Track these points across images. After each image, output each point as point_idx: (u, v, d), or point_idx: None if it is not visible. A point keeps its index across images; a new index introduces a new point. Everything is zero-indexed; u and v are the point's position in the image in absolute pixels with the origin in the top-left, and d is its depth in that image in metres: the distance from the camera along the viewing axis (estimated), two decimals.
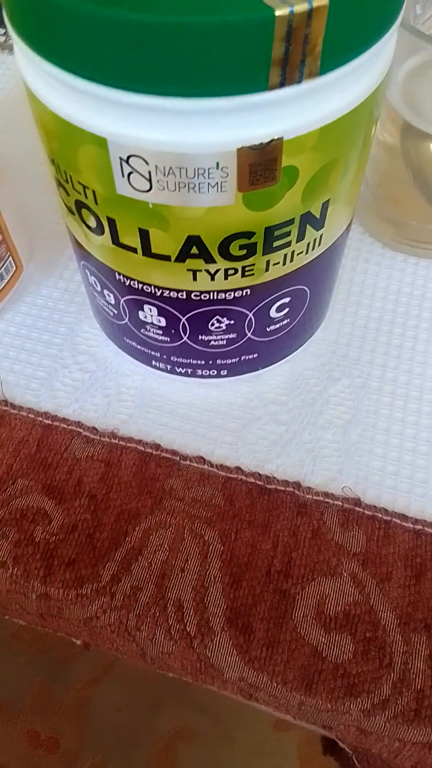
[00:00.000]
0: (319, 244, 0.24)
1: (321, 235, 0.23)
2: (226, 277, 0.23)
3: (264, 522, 0.26)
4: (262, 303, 0.25)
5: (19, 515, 0.27)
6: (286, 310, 0.26)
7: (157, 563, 0.25)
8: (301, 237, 0.23)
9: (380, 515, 0.27)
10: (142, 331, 0.27)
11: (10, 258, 0.31)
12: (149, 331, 0.27)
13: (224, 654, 0.24)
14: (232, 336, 0.26)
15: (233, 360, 0.28)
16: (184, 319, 0.25)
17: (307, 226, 0.22)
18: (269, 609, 0.25)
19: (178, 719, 0.72)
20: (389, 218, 0.36)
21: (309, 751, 0.70)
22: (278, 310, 0.26)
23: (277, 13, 0.15)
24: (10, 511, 0.27)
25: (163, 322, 0.26)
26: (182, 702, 0.73)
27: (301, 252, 0.23)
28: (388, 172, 0.35)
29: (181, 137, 0.18)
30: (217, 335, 0.26)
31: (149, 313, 0.25)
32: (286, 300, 0.26)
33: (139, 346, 0.28)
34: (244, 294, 0.24)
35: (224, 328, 0.26)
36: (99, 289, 0.27)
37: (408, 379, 0.31)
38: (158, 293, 0.24)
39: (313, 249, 0.24)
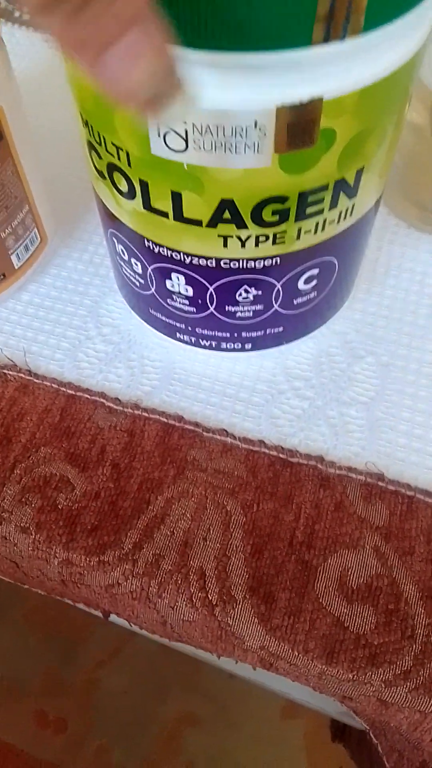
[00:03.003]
0: (351, 214, 0.24)
1: (353, 205, 0.23)
2: (257, 244, 0.23)
3: (286, 494, 0.26)
4: (291, 273, 0.25)
5: (43, 482, 0.27)
6: (314, 282, 0.26)
7: (180, 532, 0.25)
8: (334, 204, 0.22)
9: (403, 490, 0.27)
10: (168, 301, 0.27)
11: (36, 229, 0.31)
12: (176, 301, 0.27)
13: (246, 622, 0.24)
14: (258, 308, 0.26)
15: (258, 333, 0.28)
16: (211, 289, 0.25)
17: (341, 193, 0.22)
18: (291, 579, 0.25)
19: (184, 705, 0.72)
20: (414, 200, 0.36)
21: (315, 739, 0.70)
22: (306, 281, 0.26)
23: None
24: (33, 478, 0.27)
25: (190, 292, 0.26)
26: (189, 688, 0.73)
27: (333, 221, 0.23)
28: (414, 153, 0.35)
29: (220, 94, 0.18)
30: (244, 306, 0.26)
31: (176, 282, 0.25)
32: (315, 272, 0.26)
33: (164, 318, 0.28)
34: (273, 263, 0.24)
35: (251, 299, 0.26)
36: (126, 258, 0.26)
37: None
38: (187, 261, 0.24)
39: (344, 219, 0.24)
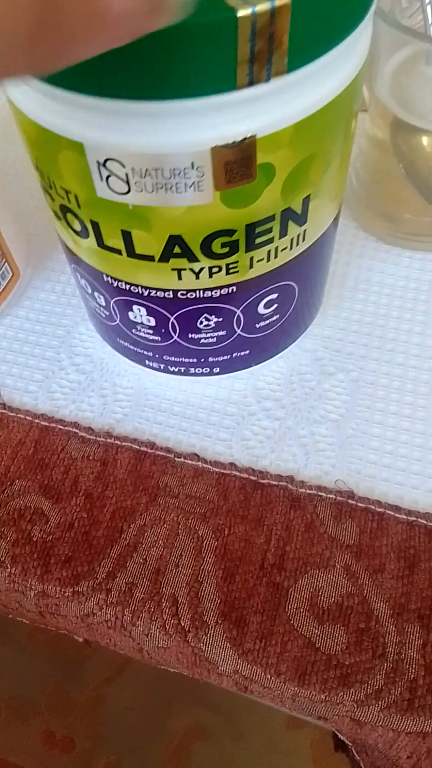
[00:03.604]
0: (304, 240, 0.24)
1: (304, 231, 0.24)
2: (210, 276, 0.23)
3: (258, 516, 0.27)
4: (250, 300, 0.25)
5: (17, 515, 0.27)
6: (275, 306, 0.26)
7: (152, 559, 0.26)
8: (283, 233, 0.23)
9: (373, 507, 0.27)
10: (133, 331, 0.27)
11: (6, 264, 0.32)
12: (140, 331, 0.27)
13: (218, 647, 0.24)
14: (221, 333, 0.27)
15: (225, 357, 0.28)
16: (172, 318, 0.26)
17: (289, 221, 0.22)
18: (263, 602, 0.25)
19: (190, 718, 0.72)
20: (383, 213, 0.36)
21: (322, 749, 0.70)
22: (266, 306, 0.26)
23: (240, 13, 0.15)
24: (8, 512, 0.27)
25: (152, 322, 0.26)
26: (195, 701, 0.73)
27: (285, 248, 0.24)
28: (379, 167, 0.35)
29: (155, 139, 0.18)
30: (206, 333, 0.26)
31: (138, 314, 0.26)
32: (274, 296, 0.26)
33: (131, 347, 0.29)
34: (230, 291, 0.24)
35: (213, 325, 0.26)
36: (90, 291, 0.27)
37: (402, 372, 0.31)
38: (145, 293, 0.24)
39: (297, 245, 0.24)
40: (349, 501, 0.27)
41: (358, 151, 0.36)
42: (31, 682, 0.73)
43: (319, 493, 0.27)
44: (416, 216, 0.35)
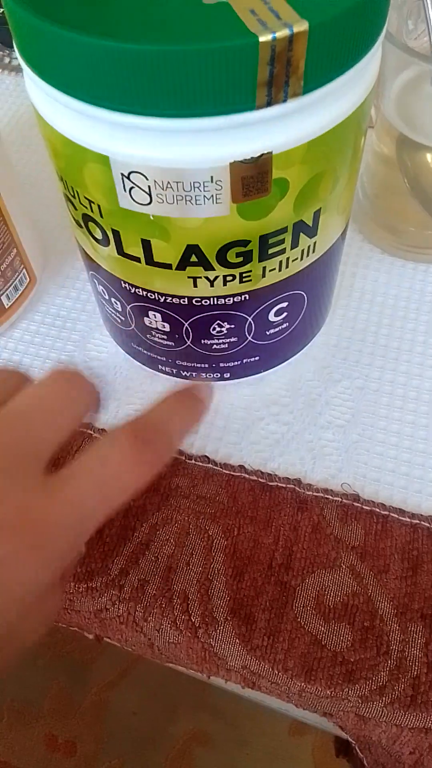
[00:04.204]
0: (314, 251, 0.25)
1: (315, 243, 0.25)
2: (224, 284, 0.24)
3: (266, 518, 0.28)
4: (261, 307, 0.26)
5: None
6: (285, 314, 0.27)
7: (164, 557, 0.27)
8: (295, 244, 0.24)
9: (378, 510, 0.28)
10: (148, 336, 0.28)
11: (24, 270, 0.33)
12: (155, 336, 0.28)
13: (227, 643, 0.25)
14: (233, 340, 0.28)
15: (236, 363, 0.29)
16: (186, 324, 0.27)
17: (301, 234, 0.24)
18: (271, 600, 0.26)
19: (193, 723, 0.72)
20: (388, 226, 0.37)
21: (323, 755, 0.70)
22: (277, 314, 0.27)
23: (261, 39, 0.16)
24: None
25: (167, 328, 0.27)
26: (198, 706, 0.73)
27: (296, 258, 0.25)
28: (385, 182, 0.36)
29: (177, 154, 0.19)
30: (218, 339, 0.27)
31: (154, 319, 0.27)
32: (284, 304, 0.27)
33: (146, 351, 0.30)
34: (242, 299, 0.25)
35: (225, 332, 0.27)
36: (107, 297, 0.28)
37: (406, 380, 0.32)
38: (161, 300, 0.25)
39: (307, 255, 0.25)
40: (355, 504, 0.28)
41: (365, 166, 0.37)
42: (34, 686, 0.73)
43: (326, 496, 0.28)
44: (420, 229, 0.36)
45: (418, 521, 0.27)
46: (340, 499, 0.28)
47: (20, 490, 0.18)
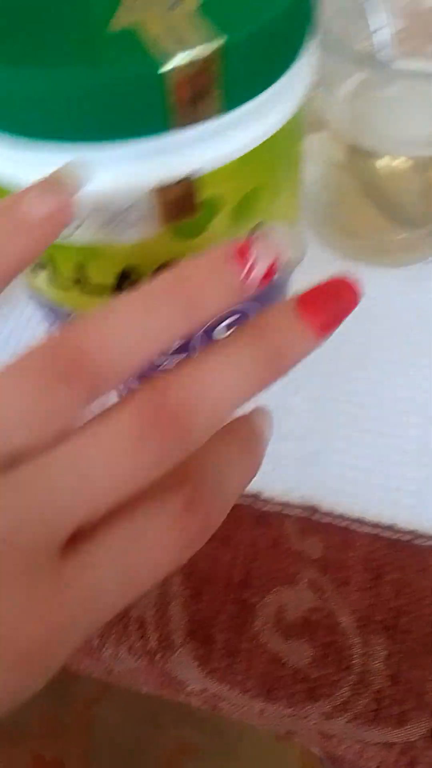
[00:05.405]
0: None
1: None
2: None
3: (224, 535, 0.27)
4: (207, 323, 0.26)
5: None
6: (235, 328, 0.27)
7: None
8: None
9: (338, 521, 0.27)
10: None
11: None
12: None
13: (186, 667, 0.24)
14: (183, 356, 0.27)
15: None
16: None
17: None
18: (230, 619, 0.25)
19: (180, 734, 0.72)
20: (346, 230, 0.37)
21: (311, 760, 0.70)
22: (227, 329, 0.27)
23: (169, 62, 0.16)
24: None
25: None
26: (183, 717, 0.73)
27: None
28: (340, 187, 0.36)
29: (98, 182, 0.18)
30: (168, 356, 0.27)
31: None
32: (234, 318, 0.27)
33: None
34: None
35: (174, 348, 0.27)
36: (51, 321, 0.27)
37: (366, 388, 0.31)
38: None
39: None
40: (314, 516, 0.28)
41: (319, 172, 0.37)
42: (19, 707, 0.72)
43: (285, 510, 0.28)
44: (378, 233, 0.36)
45: (379, 530, 0.27)
46: (299, 512, 0.28)
47: (23, 587, 0.13)
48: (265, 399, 0.31)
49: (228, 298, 0.16)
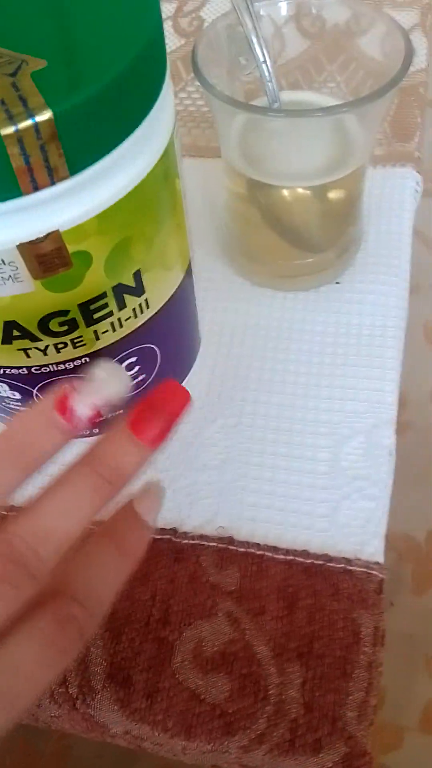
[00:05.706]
0: (148, 307, 0.25)
1: (146, 300, 0.25)
2: (58, 351, 0.24)
3: (143, 573, 0.27)
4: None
5: None
6: (138, 367, 0.27)
7: None
8: (122, 305, 0.24)
9: (253, 550, 0.28)
10: (4, 404, 0.28)
11: None
12: (9, 404, 0.28)
13: (107, 710, 0.25)
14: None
15: (101, 419, 0.29)
16: (35, 391, 0.26)
17: (125, 295, 0.23)
18: (149, 659, 0.25)
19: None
20: (254, 258, 0.37)
21: None
22: (128, 368, 0.27)
23: (3, 131, 0.16)
24: None
25: (17, 396, 0.27)
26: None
27: (129, 317, 0.25)
28: (244, 217, 0.36)
29: None
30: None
31: (2, 390, 0.26)
32: (134, 359, 0.27)
33: (8, 417, 0.29)
34: (83, 362, 0.25)
35: None
36: None
37: (278, 412, 0.32)
38: (1, 372, 0.25)
39: (141, 312, 0.25)
40: (230, 547, 0.28)
41: (224, 203, 0.37)
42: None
43: (201, 542, 0.28)
44: (284, 259, 0.36)
45: (292, 557, 0.27)
46: (215, 544, 0.28)
47: None
48: (181, 431, 0.32)
49: (61, 439, 0.18)
